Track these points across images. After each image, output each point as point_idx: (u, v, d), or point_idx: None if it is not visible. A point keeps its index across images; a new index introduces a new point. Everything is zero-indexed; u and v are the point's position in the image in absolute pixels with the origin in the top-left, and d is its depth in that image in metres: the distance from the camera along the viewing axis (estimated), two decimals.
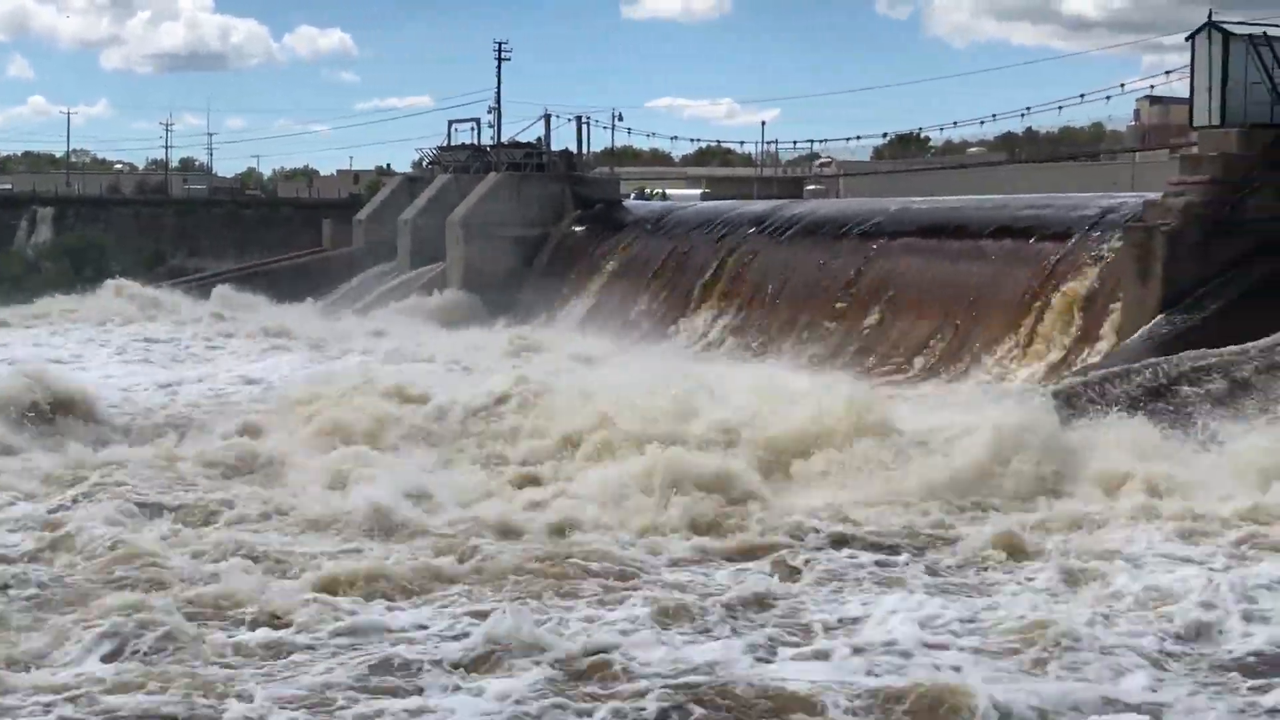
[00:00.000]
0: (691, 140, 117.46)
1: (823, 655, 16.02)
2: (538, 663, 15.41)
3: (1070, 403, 27.53)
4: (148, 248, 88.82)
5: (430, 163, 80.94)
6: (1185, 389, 27.65)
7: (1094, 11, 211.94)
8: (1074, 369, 31.68)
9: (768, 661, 15.87)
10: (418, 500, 23.25)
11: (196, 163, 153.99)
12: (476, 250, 65.93)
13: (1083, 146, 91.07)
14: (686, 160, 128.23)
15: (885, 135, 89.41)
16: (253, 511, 22.88)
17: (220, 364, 49.05)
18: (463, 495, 23.99)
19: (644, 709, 14.31)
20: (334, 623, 16.80)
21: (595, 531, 21.57)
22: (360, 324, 60.55)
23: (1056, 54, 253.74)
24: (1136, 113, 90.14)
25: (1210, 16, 34.73)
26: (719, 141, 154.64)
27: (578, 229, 66.43)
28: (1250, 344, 28.81)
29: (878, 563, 19.97)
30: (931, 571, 19.55)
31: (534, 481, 25.32)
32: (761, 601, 18.00)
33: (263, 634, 16.45)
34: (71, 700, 14.31)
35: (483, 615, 16.95)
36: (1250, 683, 15.05)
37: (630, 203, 73.81)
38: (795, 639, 16.60)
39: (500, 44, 79.72)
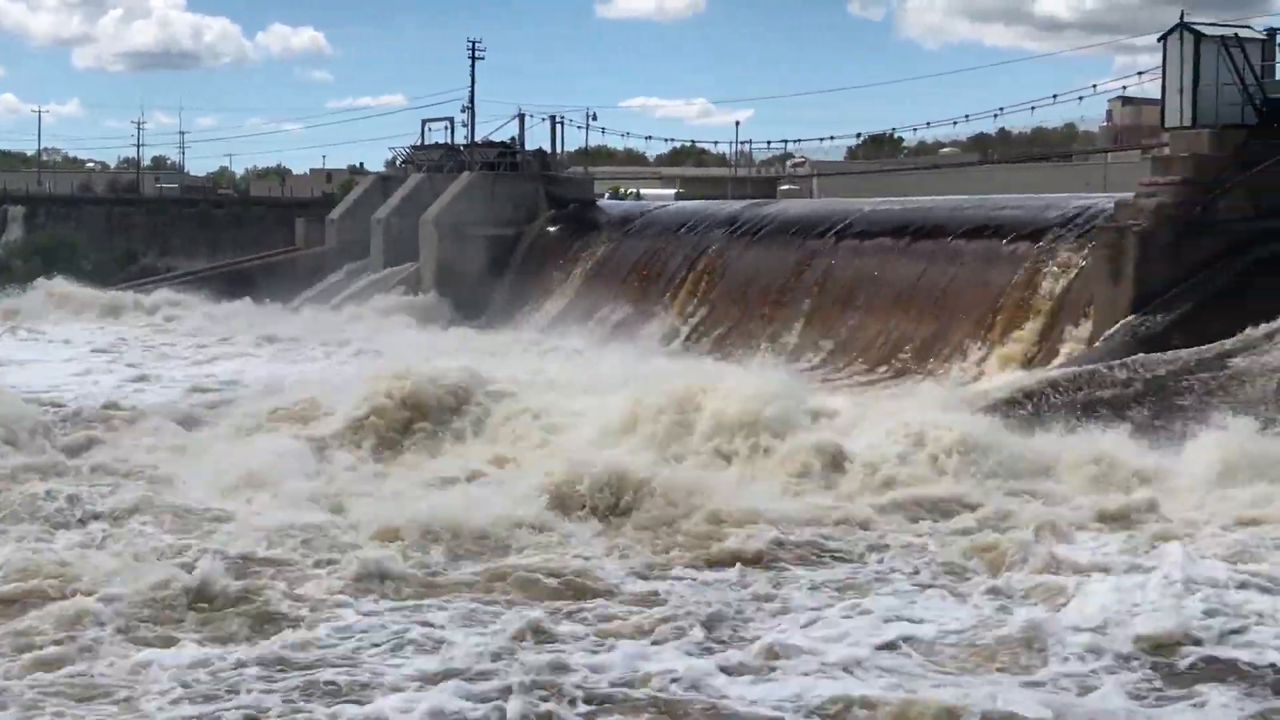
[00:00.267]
0: (666, 140, 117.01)
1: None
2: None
3: (1034, 404, 27.60)
4: (119, 247, 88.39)
5: (404, 162, 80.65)
6: (1152, 390, 27.73)
7: (1066, 13, 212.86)
8: (1041, 370, 31.66)
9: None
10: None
11: (169, 161, 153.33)
12: (450, 250, 65.68)
13: (1055, 147, 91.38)
14: (661, 160, 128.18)
15: (859, 136, 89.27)
16: None
17: (158, 367, 48.13)
18: None
19: None
20: None
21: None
22: (317, 323, 60.44)
23: (1029, 55, 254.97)
24: (1109, 113, 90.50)
25: (1182, 18, 34.81)
26: (693, 141, 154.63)
27: (552, 229, 66.22)
28: (1217, 344, 28.92)
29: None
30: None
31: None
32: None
33: None
34: None
35: None
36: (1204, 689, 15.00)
37: (604, 203, 73.69)
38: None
39: (474, 43, 79.61)
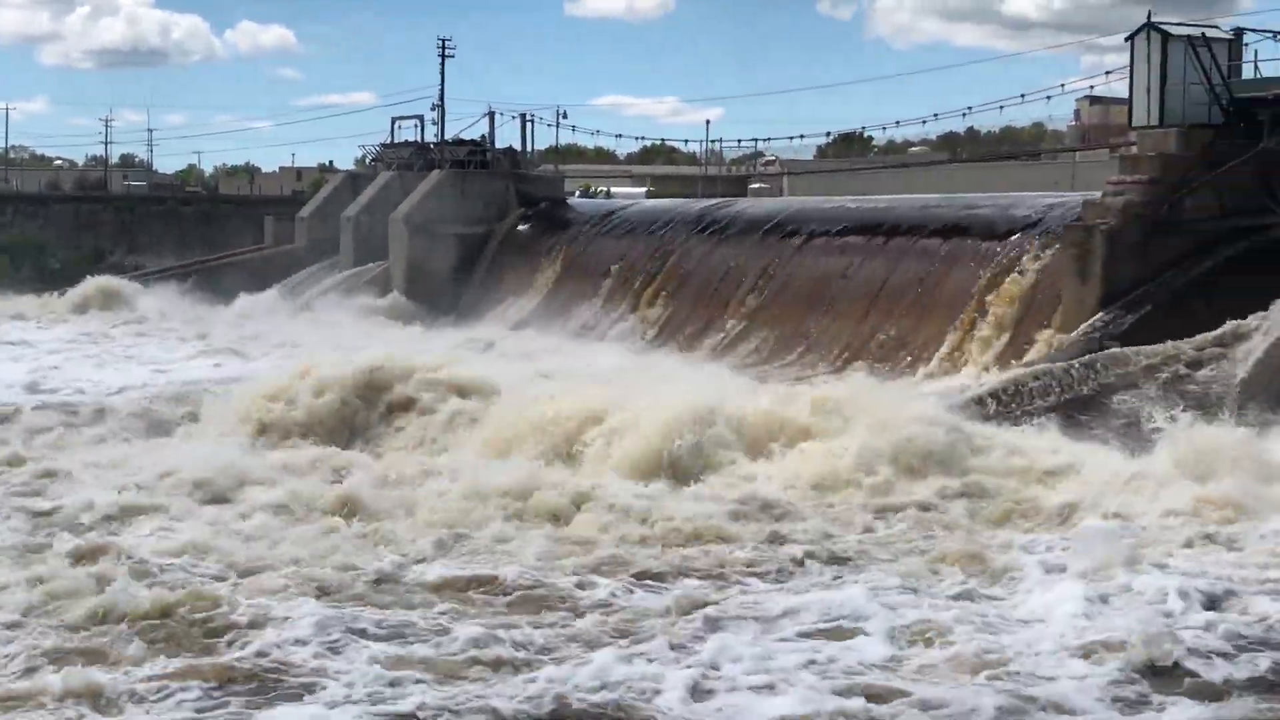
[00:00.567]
0: (636, 138, 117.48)
1: None
2: None
3: (999, 403, 27.71)
4: (87, 245, 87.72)
5: (373, 160, 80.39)
6: (1116, 387, 27.87)
7: (1035, 12, 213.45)
8: (1008, 369, 31.75)
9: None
10: None
11: (137, 159, 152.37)
12: (420, 248, 65.53)
13: (1024, 146, 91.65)
14: (631, 158, 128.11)
15: (829, 134, 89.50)
16: None
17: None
18: None
19: None
20: None
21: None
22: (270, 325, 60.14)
23: (998, 54, 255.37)
24: (1077, 113, 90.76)
25: (1149, 18, 34.93)
26: (663, 140, 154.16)
27: (522, 227, 66.15)
28: (1183, 341, 29.07)
29: None
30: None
31: None
32: None
33: None
34: None
35: None
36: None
37: (574, 201, 73.62)
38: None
39: (444, 41, 79.35)
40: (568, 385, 30.62)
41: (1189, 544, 20.45)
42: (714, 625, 17.14)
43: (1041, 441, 25.80)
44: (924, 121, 73.42)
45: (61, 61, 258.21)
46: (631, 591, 18.65)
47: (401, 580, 19.01)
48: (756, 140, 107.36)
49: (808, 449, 25.48)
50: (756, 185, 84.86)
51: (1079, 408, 27.40)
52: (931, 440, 24.85)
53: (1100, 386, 28.13)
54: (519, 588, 18.68)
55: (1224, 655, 15.96)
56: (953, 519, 22.44)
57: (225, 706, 14.49)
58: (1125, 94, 36.55)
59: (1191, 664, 15.65)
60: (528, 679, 15.18)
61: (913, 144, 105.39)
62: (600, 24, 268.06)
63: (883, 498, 23.59)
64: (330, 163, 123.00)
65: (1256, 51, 35.12)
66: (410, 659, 15.88)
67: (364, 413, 30.62)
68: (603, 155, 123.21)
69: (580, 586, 18.76)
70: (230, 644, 16.34)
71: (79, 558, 19.73)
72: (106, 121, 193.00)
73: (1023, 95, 62.42)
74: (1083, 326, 31.96)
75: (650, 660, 15.82)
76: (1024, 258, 36.64)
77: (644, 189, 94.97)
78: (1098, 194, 34.94)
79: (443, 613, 17.61)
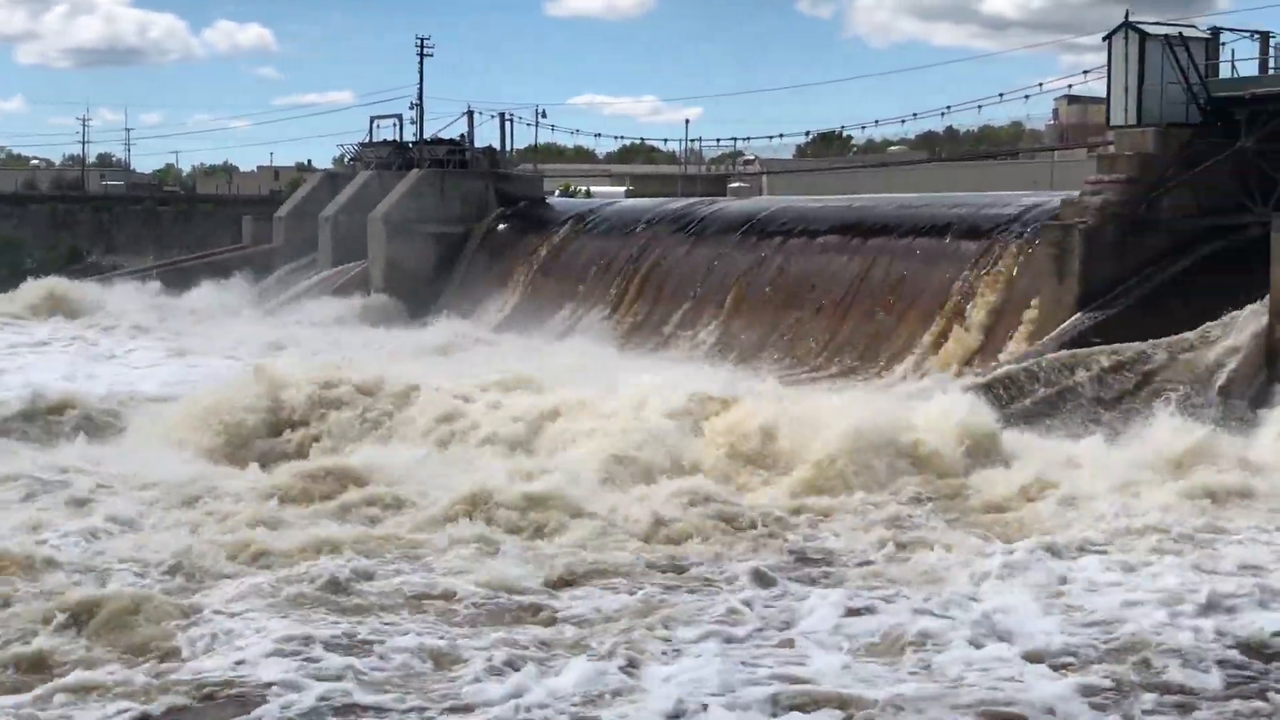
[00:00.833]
0: (615, 138, 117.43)
1: None
2: None
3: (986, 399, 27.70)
4: (64, 244, 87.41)
5: (352, 159, 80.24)
6: (1093, 385, 27.92)
7: (1013, 11, 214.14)
8: (985, 367, 31.79)
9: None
10: None
11: (114, 158, 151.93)
12: (399, 247, 65.39)
13: (1002, 145, 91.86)
14: (610, 158, 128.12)
15: (808, 134, 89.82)
16: None
17: None
18: None
19: None
20: None
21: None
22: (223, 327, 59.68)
23: (976, 53, 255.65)
24: (1055, 112, 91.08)
25: (1127, 17, 34.99)
26: (643, 139, 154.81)
27: (501, 227, 66.07)
28: (1160, 340, 29.13)
29: None
30: None
31: None
32: None
33: None
34: None
35: None
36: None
37: (554, 200, 73.52)
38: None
39: (422, 40, 79.05)
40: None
41: (1168, 540, 20.43)
42: None
43: (1019, 439, 25.79)
44: (903, 121, 73.61)
45: (38, 60, 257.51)
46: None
47: None
48: (736, 140, 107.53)
49: None
50: (736, 185, 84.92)
51: (1055, 406, 27.42)
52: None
53: (1077, 384, 28.17)
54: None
55: (1202, 656, 15.98)
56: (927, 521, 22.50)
57: None
58: (1103, 93, 36.61)
59: (1169, 663, 15.71)
60: None
61: (892, 143, 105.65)
62: (579, 23, 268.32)
63: None
64: (309, 162, 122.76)
65: (1234, 51, 35.21)
66: None
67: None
68: (582, 154, 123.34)
69: None
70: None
71: None
72: (84, 121, 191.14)
73: (1001, 94, 62.46)
74: (1061, 325, 32.01)
75: None
76: (1003, 257, 36.69)
77: (623, 188, 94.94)
78: (1075, 193, 35.00)
79: None
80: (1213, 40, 35.06)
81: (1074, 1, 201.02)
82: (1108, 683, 15.11)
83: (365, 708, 14.52)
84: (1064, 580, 18.74)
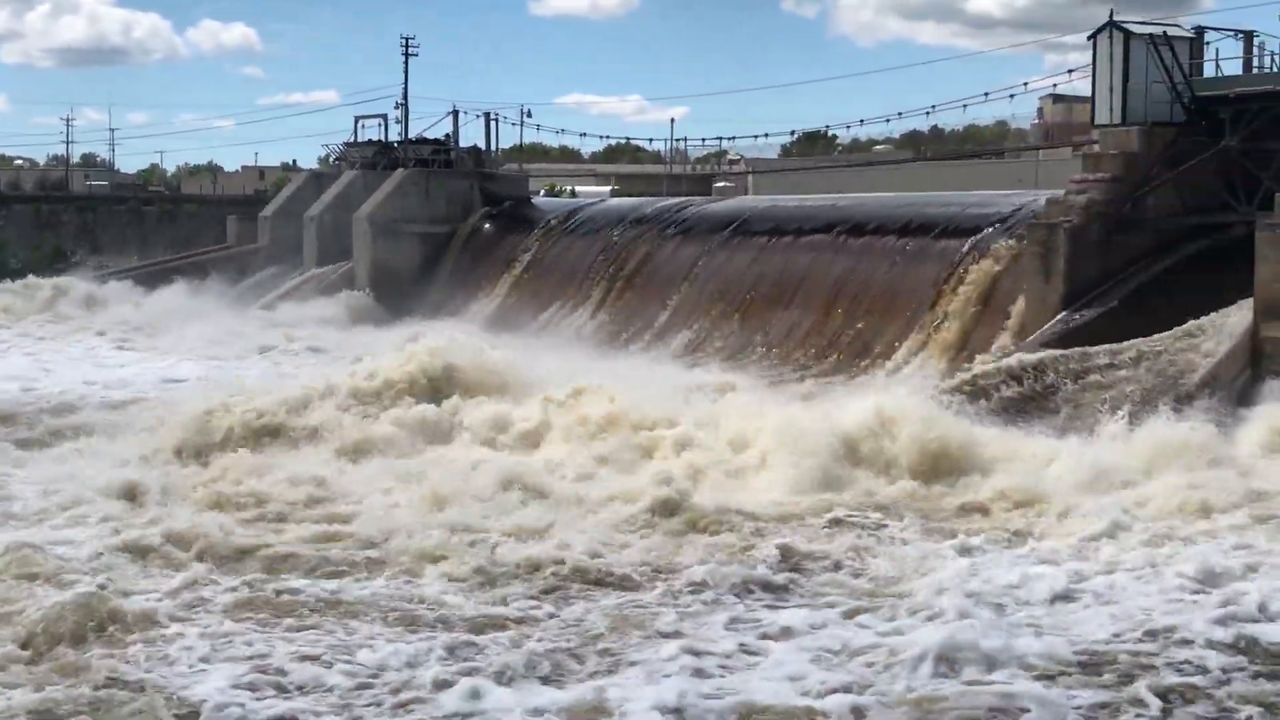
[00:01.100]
0: (601, 137, 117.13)
1: None
2: None
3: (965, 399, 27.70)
4: (48, 244, 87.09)
5: (337, 159, 79.97)
6: (1077, 383, 27.91)
7: (998, 10, 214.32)
8: (968, 366, 31.72)
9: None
10: None
11: (99, 158, 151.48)
12: (384, 247, 65.25)
13: (987, 144, 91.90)
14: (596, 157, 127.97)
15: (793, 133, 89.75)
16: None
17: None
18: None
19: None
20: None
21: None
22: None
23: (961, 53, 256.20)
24: (1040, 111, 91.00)
25: (1111, 16, 35.00)
26: (628, 139, 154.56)
27: (486, 226, 65.96)
28: (1144, 339, 29.12)
29: None
30: None
31: None
32: None
33: None
34: None
35: None
36: None
37: (539, 200, 73.39)
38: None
39: (407, 39, 78.81)
40: None
41: (1153, 540, 20.39)
42: None
43: (1002, 438, 25.74)
44: (888, 120, 73.67)
45: (22, 60, 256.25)
46: None
47: None
48: (721, 139, 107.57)
49: None
50: (721, 184, 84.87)
51: (1039, 404, 27.39)
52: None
53: (1062, 383, 28.15)
54: None
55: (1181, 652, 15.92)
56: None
57: None
58: (1088, 92, 36.61)
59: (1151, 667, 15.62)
60: None
61: (877, 142, 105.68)
62: (564, 23, 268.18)
63: None
64: (294, 162, 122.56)
65: (1218, 50, 35.23)
66: None
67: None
68: (567, 154, 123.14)
69: None
70: None
71: None
72: (68, 120, 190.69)
73: (986, 94, 63.08)
74: (1046, 324, 32.00)
75: None
76: (988, 256, 36.69)
77: (609, 188, 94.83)
78: (1060, 192, 35.00)
79: None
80: (1197, 39, 35.08)
81: (1059, 0, 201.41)
82: (1087, 692, 14.88)
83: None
84: (1022, 585, 18.45)
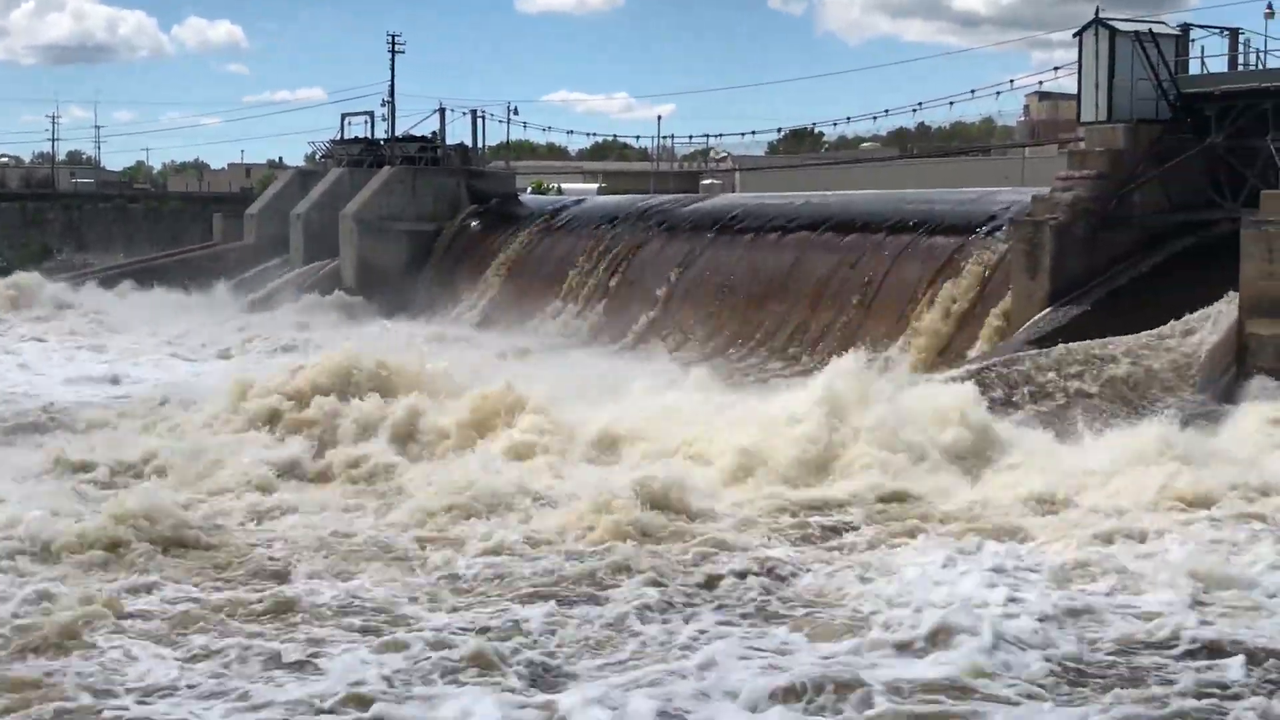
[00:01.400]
0: (587, 134, 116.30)
1: None
2: None
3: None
4: (34, 242, 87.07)
5: (323, 156, 79.89)
6: (1063, 380, 27.90)
7: (984, 8, 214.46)
8: (956, 363, 31.74)
9: None
10: None
11: (84, 156, 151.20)
12: (370, 245, 65.17)
13: (974, 142, 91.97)
14: (583, 155, 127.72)
15: (780, 130, 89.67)
16: None
17: None
18: None
19: None
20: None
21: None
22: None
23: (947, 50, 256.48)
24: (1026, 108, 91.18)
25: (1097, 13, 35.00)
26: (615, 136, 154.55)
27: (473, 224, 65.89)
28: (1130, 335, 29.12)
29: None
30: None
31: None
32: None
33: None
34: None
35: None
36: None
37: (526, 198, 73.35)
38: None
39: (393, 36, 78.78)
40: None
41: (1138, 535, 20.28)
42: None
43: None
44: (874, 118, 73.24)
45: (6, 57, 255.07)
46: None
47: None
48: (708, 136, 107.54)
49: None
50: (708, 181, 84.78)
51: (1026, 401, 27.36)
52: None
53: (1048, 380, 28.12)
54: None
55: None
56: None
57: None
58: (1074, 90, 36.63)
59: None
60: None
61: (864, 140, 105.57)
62: (551, 20, 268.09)
63: None
64: (280, 159, 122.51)
65: (1203, 48, 35.33)
66: None
67: None
68: (554, 152, 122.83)
69: None
70: None
71: None
72: (53, 118, 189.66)
73: (973, 91, 62.76)
74: (1031, 320, 32.02)
75: None
76: (976, 252, 36.71)
77: (596, 185, 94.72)
78: (1046, 190, 35.00)
79: None
80: (1182, 37, 35.14)
81: None
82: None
83: None
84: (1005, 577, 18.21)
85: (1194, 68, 34.96)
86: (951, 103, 60.47)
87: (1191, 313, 29.42)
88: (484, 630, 16.42)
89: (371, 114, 77.55)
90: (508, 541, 20.22)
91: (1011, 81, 79.07)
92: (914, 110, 68.13)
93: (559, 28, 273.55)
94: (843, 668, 15.02)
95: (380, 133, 76.54)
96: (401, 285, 63.39)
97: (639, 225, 54.33)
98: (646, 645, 16.15)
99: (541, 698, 14.35)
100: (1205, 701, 14.22)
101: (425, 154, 70.42)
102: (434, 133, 73.28)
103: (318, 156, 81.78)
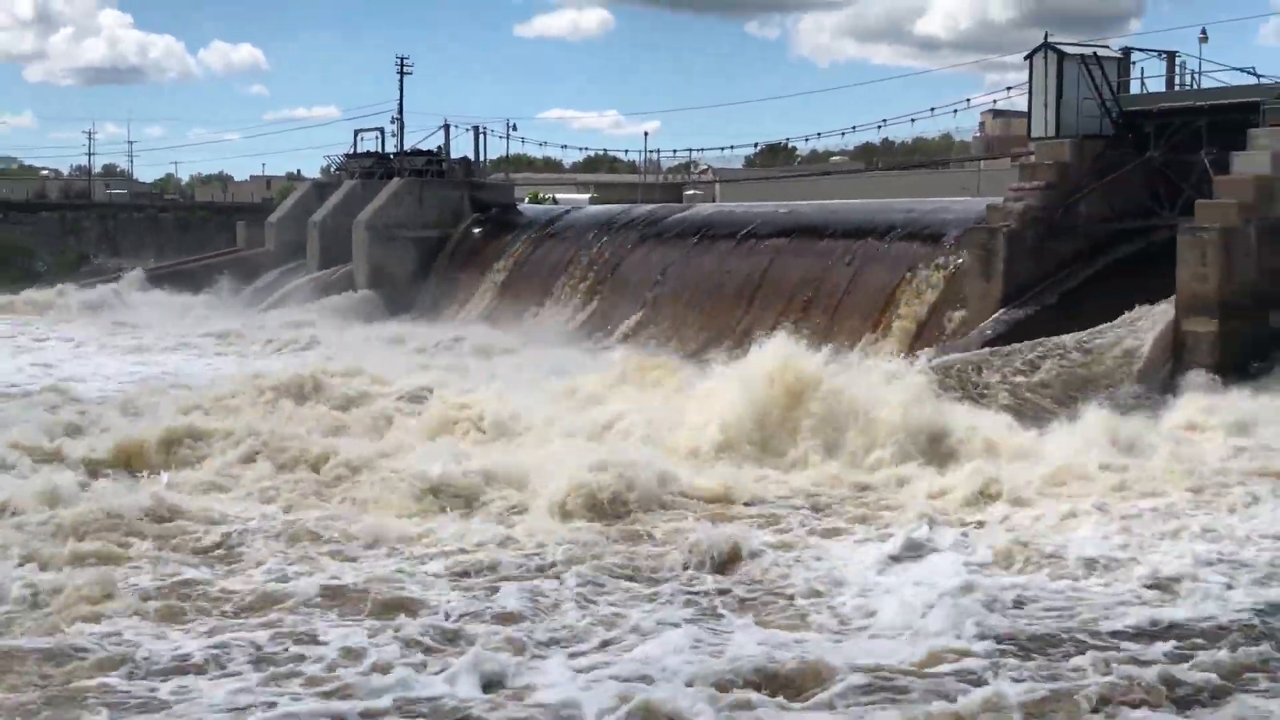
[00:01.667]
0: (580, 149, 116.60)
1: None
2: None
3: None
4: (72, 249, 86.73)
5: (338, 169, 79.67)
6: (1015, 376, 27.88)
7: (943, 33, 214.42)
8: (915, 360, 31.65)
9: None
10: None
11: (118, 169, 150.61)
12: (381, 250, 65.14)
13: (934, 155, 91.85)
14: (576, 167, 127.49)
15: (756, 145, 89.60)
16: None
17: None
18: None
19: None
20: None
21: None
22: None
23: (909, 72, 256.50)
24: (981, 125, 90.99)
25: (1046, 38, 35.11)
26: (605, 150, 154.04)
27: (475, 231, 65.87)
28: (1076, 334, 29.12)
29: None
30: None
31: None
32: None
33: None
34: None
35: None
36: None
37: (524, 207, 73.27)
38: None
39: (402, 59, 78.58)
40: None
41: (1095, 521, 20.06)
42: None
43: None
44: (843, 133, 73.52)
45: (46, 78, 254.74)
46: None
47: None
48: (691, 150, 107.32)
49: None
50: (691, 192, 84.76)
51: (980, 397, 27.34)
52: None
53: (1000, 375, 28.11)
54: None
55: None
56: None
57: None
58: (1025, 108, 36.65)
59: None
60: None
61: (833, 154, 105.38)
62: (547, 43, 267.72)
63: None
64: (298, 171, 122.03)
65: (1143, 69, 35.48)
66: None
67: None
68: (550, 165, 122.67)
69: None
70: None
71: None
72: (89, 134, 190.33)
73: (932, 109, 63.42)
74: (985, 322, 32.01)
75: None
76: (937, 258, 36.69)
77: (588, 196, 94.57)
78: (999, 199, 35.01)
79: None
80: (1124, 60, 35.23)
81: (999, 24, 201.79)
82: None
83: None
84: (972, 575, 17.34)
85: (1135, 88, 35.06)
86: (913, 120, 60.69)
87: (1132, 311, 29.46)
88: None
89: (382, 130, 77.47)
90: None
91: (968, 100, 79.13)
92: (879, 127, 68.57)
93: (555, 51, 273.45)
94: (789, 653, 14.27)
95: (390, 147, 76.40)
96: (409, 288, 63.43)
97: (628, 232, 54.29)
98: (590, 633, 15.21)
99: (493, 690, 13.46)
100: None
101: (431, 167, 70.30)
102: (439, 147, 73.13)
103: (332, 169, 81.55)
